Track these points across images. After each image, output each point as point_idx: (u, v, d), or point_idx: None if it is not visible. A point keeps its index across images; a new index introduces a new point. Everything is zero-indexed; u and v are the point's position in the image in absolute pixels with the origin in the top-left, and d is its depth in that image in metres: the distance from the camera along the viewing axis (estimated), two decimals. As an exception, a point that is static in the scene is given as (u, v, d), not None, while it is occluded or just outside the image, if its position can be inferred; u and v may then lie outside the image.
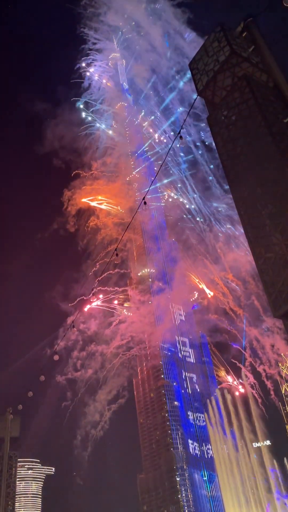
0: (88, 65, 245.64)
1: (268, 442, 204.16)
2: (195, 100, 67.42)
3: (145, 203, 61.65)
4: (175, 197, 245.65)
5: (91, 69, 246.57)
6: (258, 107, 59.64)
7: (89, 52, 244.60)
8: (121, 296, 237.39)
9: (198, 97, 69.14)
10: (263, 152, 56.63)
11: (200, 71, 67.45)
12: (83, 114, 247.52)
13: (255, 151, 57.48)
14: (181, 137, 55.99)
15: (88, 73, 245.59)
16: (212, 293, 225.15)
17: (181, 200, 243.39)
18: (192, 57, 70.35)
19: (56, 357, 76.19)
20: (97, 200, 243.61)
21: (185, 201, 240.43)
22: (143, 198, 62.87)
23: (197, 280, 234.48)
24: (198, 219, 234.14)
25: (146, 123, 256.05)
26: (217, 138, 63.49)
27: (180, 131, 52.06)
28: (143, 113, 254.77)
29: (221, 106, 64.68)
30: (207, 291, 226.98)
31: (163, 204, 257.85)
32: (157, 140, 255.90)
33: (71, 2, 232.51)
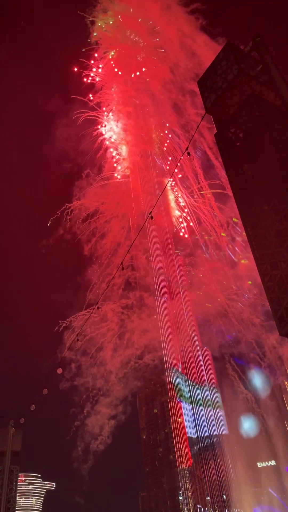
0: (99, 68, 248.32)
1: (273, 462, 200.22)
2: (203, 117, 68.17)
3: (152, 217, 61.71)
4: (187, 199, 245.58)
5: (102, 72, 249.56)
6: (266, 125, 60.20)
7: (102, 56, 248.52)
8: (122, 306, 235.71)
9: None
10: (270, 169, 56.94)
11: (208, 89, 68.37)
12: (94, 116, 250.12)
13: (262, 168, 57.81)
14: (189, 153, 56.41)
15: (98, 76, 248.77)
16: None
17: (194, 204, 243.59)
18: (203, 63, 71.44)
19: (59, 370, 75.95)
20: (105, 204, 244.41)
21: (199, 205, 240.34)
22: (150, 213, 62.96)
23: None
24: (213, 225, 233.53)
25: (156, 126, 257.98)
26: (224, 155, 64.08)
27: (187, 147, 52.48)
28: (155, 119, 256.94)
29: (228, 123, 65.32)
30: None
31: (174, 208, 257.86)
32: (166, 153, 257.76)
33: (82, 10, 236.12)
